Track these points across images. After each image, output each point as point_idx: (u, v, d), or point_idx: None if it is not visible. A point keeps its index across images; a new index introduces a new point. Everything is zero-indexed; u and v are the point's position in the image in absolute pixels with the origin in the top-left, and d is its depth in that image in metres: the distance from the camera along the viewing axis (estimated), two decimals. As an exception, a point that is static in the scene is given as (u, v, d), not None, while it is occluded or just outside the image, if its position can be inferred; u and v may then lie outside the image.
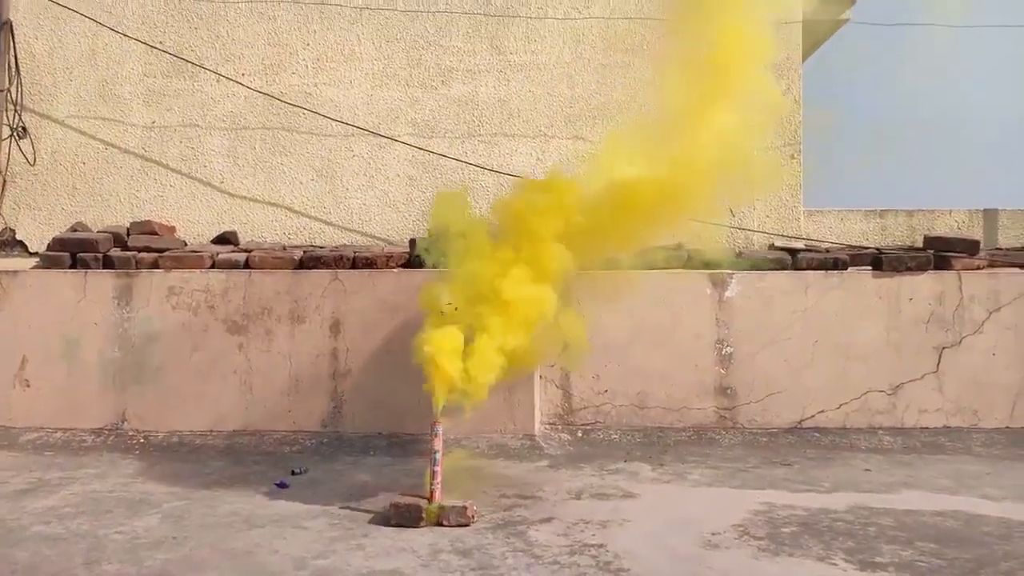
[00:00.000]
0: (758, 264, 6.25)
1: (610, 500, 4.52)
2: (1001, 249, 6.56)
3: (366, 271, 6.00)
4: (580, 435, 6.08)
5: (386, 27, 6.67)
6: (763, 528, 3.98)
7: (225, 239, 6.50)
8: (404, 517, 3.96)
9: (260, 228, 6.69)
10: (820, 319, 6.12)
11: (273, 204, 6.68)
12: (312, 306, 5.92)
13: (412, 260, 6.12)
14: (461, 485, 4.51)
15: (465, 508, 4.00)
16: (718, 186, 4.88)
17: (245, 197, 6.68)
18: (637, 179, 4.71)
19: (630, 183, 4.72)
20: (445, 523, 3.95)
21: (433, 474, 4.06)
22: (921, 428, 6.14)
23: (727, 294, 6.20)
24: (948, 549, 3.65)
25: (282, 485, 4.79)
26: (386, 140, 6.57)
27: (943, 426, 6.15)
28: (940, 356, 6.14)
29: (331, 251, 6.28)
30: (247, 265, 6.14)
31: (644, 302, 6.05)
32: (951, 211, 6.91)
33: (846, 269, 6.25)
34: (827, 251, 6.43)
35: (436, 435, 4.09)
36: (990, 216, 6.85)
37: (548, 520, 4.10)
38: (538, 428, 5.90)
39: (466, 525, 3.96)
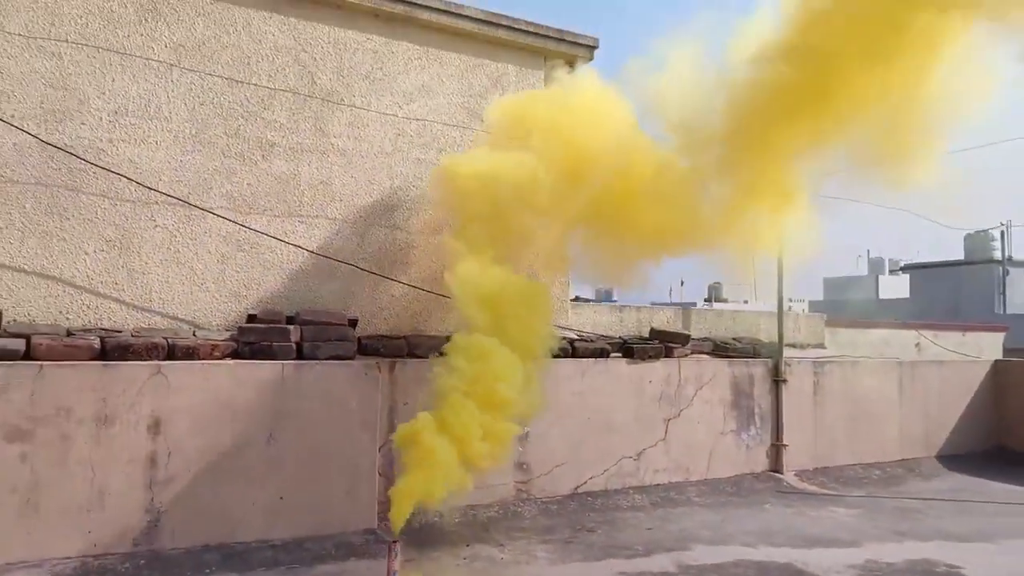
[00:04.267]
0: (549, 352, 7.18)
1: (505, 592, 4.93)
2: (696, 340, 8.55)
3: (196, 363, 5.38)
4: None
5: (201, 89, 6.06)
6: (650, 599, 4.83)
7: (-17, 319, 5.17)
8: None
9: (28, 306, 5.44)
10: (593, 399, 7.29)
11: (46, 276, 5.50)
12: (126, 404, 5.10)
13: (240, 350, 5.67)
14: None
15: (425, 627, 4.07)
16: None
17: (7, 266, 5.38)
18: None
19: None
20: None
21: (391, 596, 4.03)
22: (655, 485, 7.69)
23: (525, 379, 7.00)
24: (776, 595, 4.95)
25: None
26: (196, 212, 5.95)
27: (668, 482, 7.80)
28: (667, 426, 7.80)
29: (135, 335, 5.47)
30: (28, 354, 5.02)
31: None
32: (663, 308, 8.79)
33: (608, 357, 7.56)
34: (592, 340, 7.68)
35: (394, 555, 4.07)
36: (687, 314, 8.91)
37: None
38: (376, 521, 5.92)
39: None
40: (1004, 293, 36.52)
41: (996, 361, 10.68)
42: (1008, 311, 34.47)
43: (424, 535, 6.03)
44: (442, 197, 6.59)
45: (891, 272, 50.48)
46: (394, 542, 4.11)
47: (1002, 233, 37.15)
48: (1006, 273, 36.94)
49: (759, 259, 8.79)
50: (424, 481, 4.30)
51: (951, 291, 36.74)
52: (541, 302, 6.06)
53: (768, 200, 6.32)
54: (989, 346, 14.71)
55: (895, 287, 45.35)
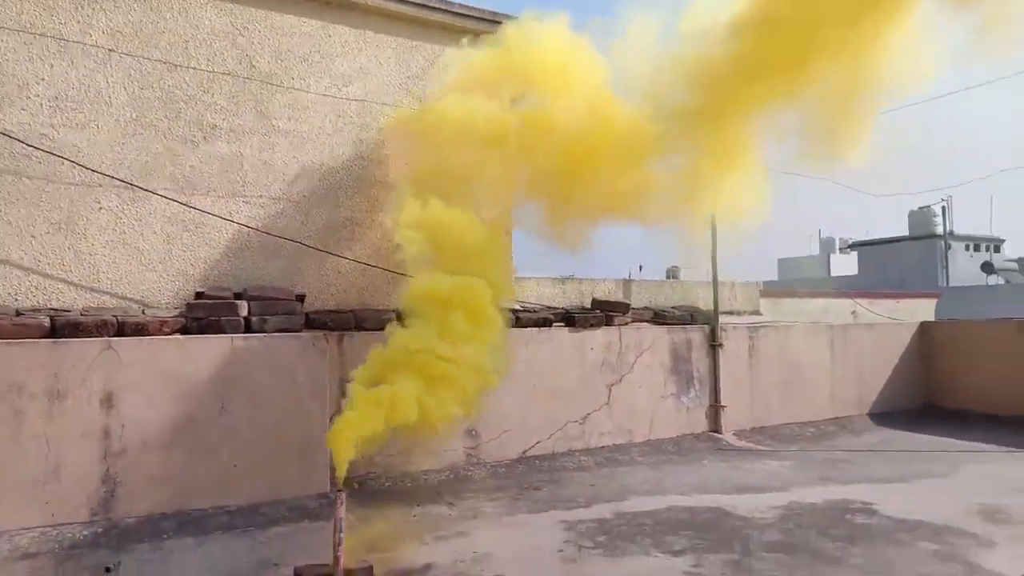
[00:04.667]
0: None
1: (450, 541, 5.21)
2: (636, 309, 8.93)
3: (146, 339, 5.55)
4: (356, 487, 6.48)
5: (140, 74, 6.19)
6: (587, 539, 5.17)
7: (-70, 301, 5.27)
8: (319, 588, 4.13)
9: (-26, 287, 5.56)
10: (537, 366, 7.61)
11: (-7, 259, 5.62)
12: (77, 380, 5.26)
13: (189, 325, 5.84)
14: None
15: (370, 568, 4.34)
16: None
17: (-47, 250, 5.49)
18: None
19: None
20: (354, 587, 4.24)
21: (338, 541, 4.29)
22: (600, 447, 8.05)
23: (471, 349, 7.28)
24: (705, 532, 5.32)
25: (116, 586, 4.33)
26: (141, 193, 6.09)
27: (612, 444, 8.17)
28: (610, 391, 8.16)
29: (84, 314, 5.62)
30: (-23, 334, 5.15)
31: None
32: (604, 280, 9.14)
33: (551, 326, 7.89)
34: (535, 311, 8.00)
35: (340, 503, 4.33)
36: (627, 285, 9.28)
37: (429, 567, 4.67)
38: (329, 486, 6.15)
39: (373, 585, 4.31)
40: (947, 267, 37.89)
41: (923, 323, 11.27)
42: (951, 283, 35.83)
43: (376, 498, 6.29)
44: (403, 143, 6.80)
45: (840, 250, 51.81)
46: (340, 491, 4.37)
47: (943, 208, 38.56)
48: (947, 247, 38.33)
49: (713, 235, 9.18)
50: (363, 418, 4.53)
51: (896, 266, 38.05)
52: (493, 243, 6.25)
53: (718, 165, 6.65)
54: (923, 313, 15.44)
55: (846, 265, 46.72)
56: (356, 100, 7.15)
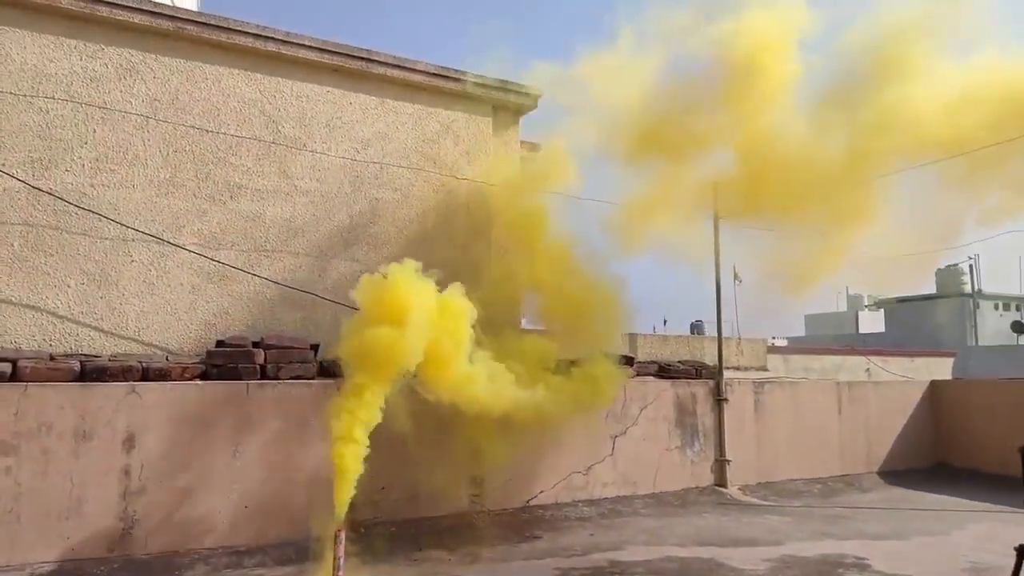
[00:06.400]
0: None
1: (449, 585, 5.43)
2: (642, 362, 9.15)
3: (167, 383, 5.92)
4: (362, 531, 6.71)
5: (174, 137, 6.72)
6: (577, 587, 5.36)
7: (-27, 346, 5.71)
8: (318, 624, 4.37)
9: (14, 334, 5.99)
10: (541, 418, 7.83)
11: (32, 307, 6.06)
12: (102, 421, 5.63)
13: (208, 371, 6.21)
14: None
15: (367, 606, 4.58)
16: None
17: (-4, 298, 5.96)
18: None
19: None
20: (350, 623, 4.47)
21: (336, 579, 4.54)
22: (603, 498, 8.20)
23: (477, 399, 7.55)
24: (692, 582, 5.48)
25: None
26: (169, 248, 6.55)
27: (616, 495, 8.32)
28: (614, 443, 8.35)
29: (112, 360, 6.02)
30: (15, 376, 5.55)
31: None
32: (611, 334, 9.40)
33: (556, 378, 8.14)
34: (541, 364, 8.26)
35: (339, 542, 4.60)
36: (633, 339, 9.53)
37: (424, 606, 4.89)
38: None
39: (368, 622, 4.53)
40: (975, 326, 37.38)
41: (932, 381, 11.31)
42: (980, 343, 35.32)
43: (380, 541, 6.50)
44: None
45: (867, 308, 51.28)
46: (339, 531, 4.63)
47: (971, 267, 38.24)
48: (976, 306, 37.88)
49: (717, 291, 9.47)
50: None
51: (925, 324, 37.60)
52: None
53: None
54: (939, 371, 15.40)
55: (874, 322, 46.26)
56: (374, 163, 7.62)
